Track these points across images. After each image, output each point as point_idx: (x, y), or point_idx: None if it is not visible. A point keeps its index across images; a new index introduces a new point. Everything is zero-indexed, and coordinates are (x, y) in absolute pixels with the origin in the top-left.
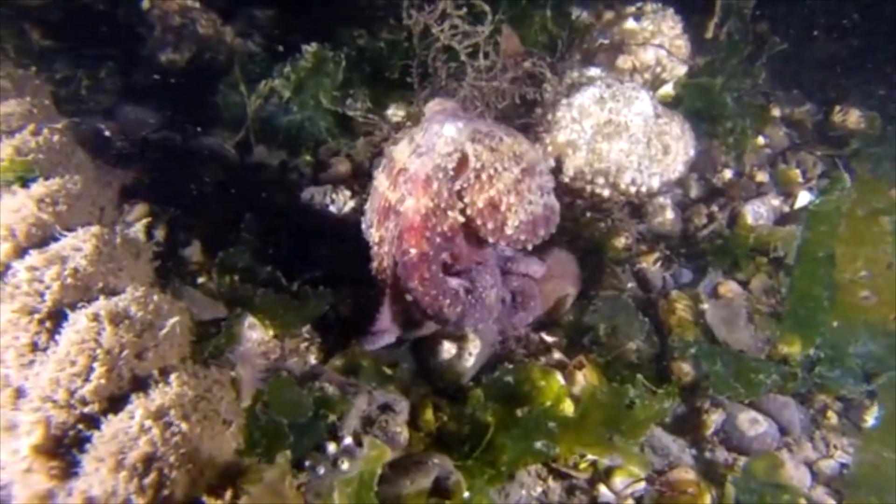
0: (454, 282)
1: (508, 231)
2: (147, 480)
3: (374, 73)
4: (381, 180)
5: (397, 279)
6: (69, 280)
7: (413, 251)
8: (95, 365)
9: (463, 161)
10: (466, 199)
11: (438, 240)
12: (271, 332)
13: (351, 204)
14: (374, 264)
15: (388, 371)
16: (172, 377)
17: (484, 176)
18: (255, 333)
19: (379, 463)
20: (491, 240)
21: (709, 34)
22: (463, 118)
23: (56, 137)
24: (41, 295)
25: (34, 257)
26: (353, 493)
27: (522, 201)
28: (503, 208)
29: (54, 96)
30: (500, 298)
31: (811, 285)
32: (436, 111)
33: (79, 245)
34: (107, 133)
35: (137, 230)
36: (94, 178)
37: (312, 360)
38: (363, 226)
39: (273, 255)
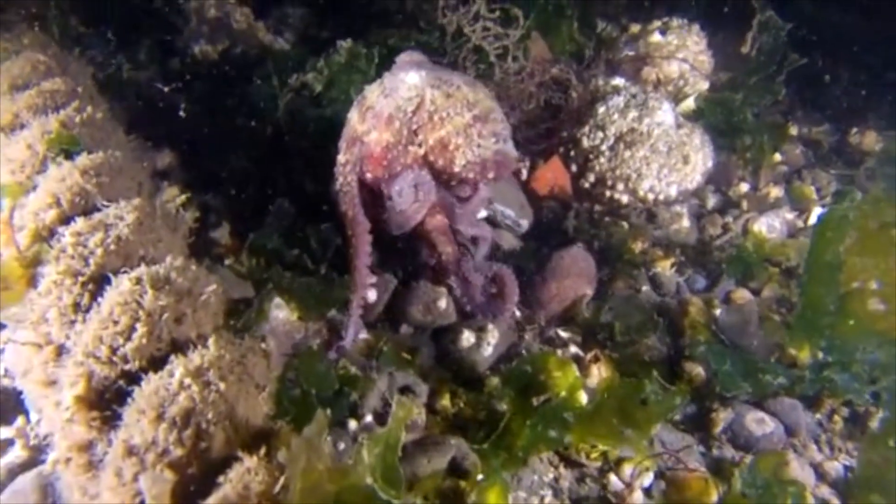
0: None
1: (456, 168)
2: (186, 433)
3: None
4: (352, 114)
5: (356, 195)
6: (112, 247)
7: (369, 175)
8: (137, 325)
9: (421, 104)
10: (420, 138)
11: (399, 168)
12: (296, 314)
13: None
14: (339, 180)
15: (408, 357)
16: (210, 340)
17: (436, 118)
18: (281, 313)
19: (405, 422)
20: (444, 175)
21: (746, 48)
22: (426, 68)
23: (99, 115)
24: (85, 259)
25: (79, 223)
26: (378, 454)
27: (471, 143)
28: (451, 148)
29: (94, 78)
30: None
31: (820, 291)
32: (405, 61)
33: (122, 215)
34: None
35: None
36: (132, 155)
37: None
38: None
39: (301, 239)
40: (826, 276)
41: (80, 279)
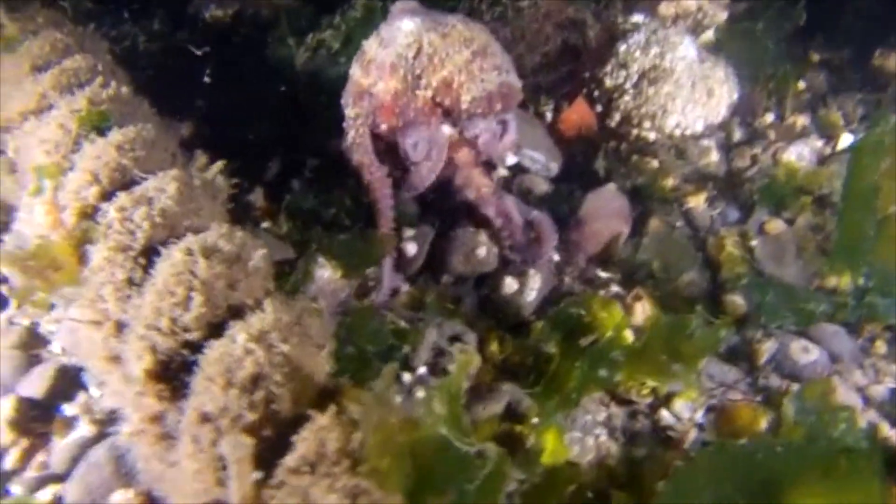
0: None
1: (464, 105)
2: (256, 397)
3: None
4: (354, 69)
5: (370, 145)
6: (158, 219)
7: (384, 126)
8: (194, 294)
9: (420, 48)
10: (424, 81)
11: (412, 114)
12: (339, 272)
13: None
14: (351, 134)
15: (452, 307)
16: (266, 304)
17: (436, 59)
18: (325, 273)
19: (467, 370)
20: (454, 113)
21: None
22: (421, 13)
23: (124, 89)
24: (133, 233)
25: (122, 198)
26: (442, 401)
27: (474, 79)
28: (455, 86)
29: (111, 53)
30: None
31: (858, 218)
32: (400, 9)
33: (162, 187)
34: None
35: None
36: (161, 127)
37: (379, 296)
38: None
39: (336, 197)
40: (863, 202)
41: (131, 254)
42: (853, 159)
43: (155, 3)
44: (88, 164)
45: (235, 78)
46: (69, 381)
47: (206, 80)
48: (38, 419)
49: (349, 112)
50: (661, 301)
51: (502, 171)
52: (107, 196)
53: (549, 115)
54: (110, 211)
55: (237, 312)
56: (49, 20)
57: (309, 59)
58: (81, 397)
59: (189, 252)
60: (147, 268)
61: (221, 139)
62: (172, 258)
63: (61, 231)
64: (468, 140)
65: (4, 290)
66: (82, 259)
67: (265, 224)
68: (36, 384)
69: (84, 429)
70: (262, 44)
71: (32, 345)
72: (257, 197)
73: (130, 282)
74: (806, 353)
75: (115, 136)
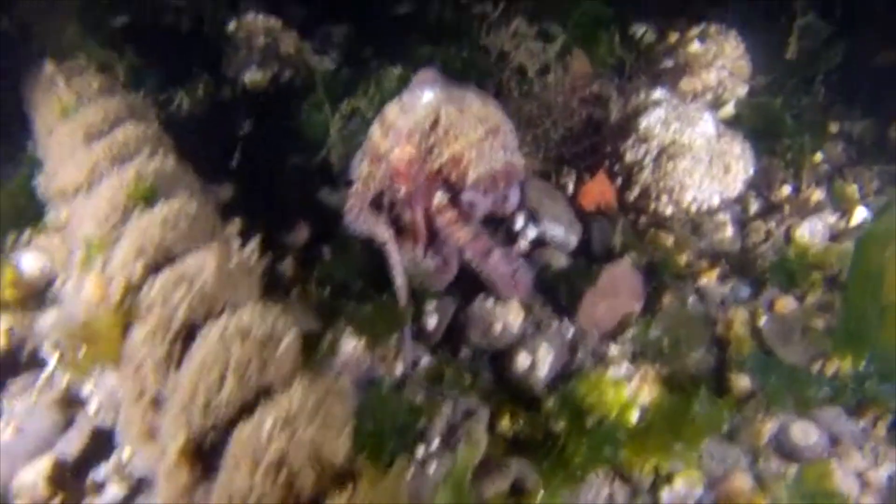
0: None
1: (469, 181)
2: (280, 478)
3: None
4: (374, 130)
5: (371, 199)
6: (197, 299)
7: (403, 189)
8: (227, 376)
9: (437, 120)
10: (436, 152)
11: (423, 181)
12: (363, 342)
13: None
14: (358, 185)
15: (469, 380)
16: (295, 387)
17: (451, 133)
18: (350, 343)
19: (472, 461)
20: (458, 187)
21: (790, 54)
22: (440, 85)
23: (170, 160)
24: (173, 312)
25: (164, 276)
26: (448, 491)
27: (483, 157)
28: (464, 162)
29: (158, 117)
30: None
31: (862, 304)
32: (421, 79)
33: (202, 265)
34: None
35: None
36: (202, 196)
37: (399, 367)
38: (355, 159)
39: (365, 268)
40: (867, 289)
41: (171, 332)
42: (859, 246)
43: (198, 63)
44: (135, 240)
45: (272, 142)
46: (103, 443)
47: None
48: (72, 478)
49: (362, 168)
50: (668, 378)
51: (523, 245)
52: (151, 271)
53: (570, 186)
54: (153, 289)
55: (267, 392)
56: (103, 86)
57: (343, 125)
58: (114, 459)
59: (224, 334)
60: (186, 345)
61: (256, 201)
62: (209, 339)
63: (107, 305)
64: (458, 205)
65: (46, 347)
66: (125, 332)
67: (295, 290)
68: (73, 443)
69: (114, 491)
70: (298, 109)
71: (70, 404)
72: (287, 266)
73: (169, 359)
74: (806, 435)
75: (161, 211)
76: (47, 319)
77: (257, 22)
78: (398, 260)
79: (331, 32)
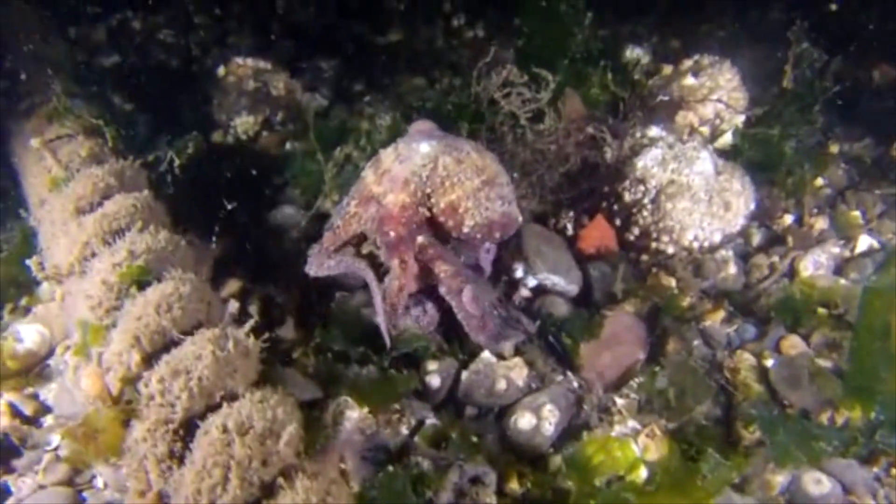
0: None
1: (465, 230)
2: None
3: None
4: (368, 174)
5: (348, 240)
6: (195, 390)
7: (392, 234)
8: (231, 476)
9: (434, 169)
10: (433, 200)
11: (414, 226)
12: (366, 409)
13: None
14: (339, 222)
15: (475, 441)
16: (298, 483)
17: (447, 183)
18: (353, 413)
19: None
20: (453, 234)
21: (787, 83)
22: (437, 137)
23: (161, 234)
24: (172, 406)
25: (162, 368)
26: None
27: (479, 206)
28: (461, 210)
29: (150, 181)
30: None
31: (870, 355)
32: (417, 130)
33: (198, 352)
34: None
35: (234, 307)
36: (194, 263)
37: (403, 430)
38: (342, 203)
39: (365, 334)
40: (875, 340)
41: (171, 426)
42: (865, 300)
43: (188, 106)
44: (130, 328)
45: (264, 193)
46: None
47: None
48: None
49: (350, 207)
50: (675, 432)
51: (524, 293)
52: (148, 361)
53: (569, 228)
54: (151, 382)
55: (270, 490)
56: (91, 153)
57: (336, 174)
58: None
59: (225, 429)
60: (187, 439)
61: (251, 256)
62: (210, 435)
63: (107, 399)
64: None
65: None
66: (126, 426)
67: (296, 354)
68: None
69: None
70: (289, 159)
71: (77, 481)
72: (288, 329)
73: (171, 454)
74: (818, 485)
75: (154, 294)
76: (49, 393)
77: (247, 65)
78: (379, 296)
79: (321, 67)
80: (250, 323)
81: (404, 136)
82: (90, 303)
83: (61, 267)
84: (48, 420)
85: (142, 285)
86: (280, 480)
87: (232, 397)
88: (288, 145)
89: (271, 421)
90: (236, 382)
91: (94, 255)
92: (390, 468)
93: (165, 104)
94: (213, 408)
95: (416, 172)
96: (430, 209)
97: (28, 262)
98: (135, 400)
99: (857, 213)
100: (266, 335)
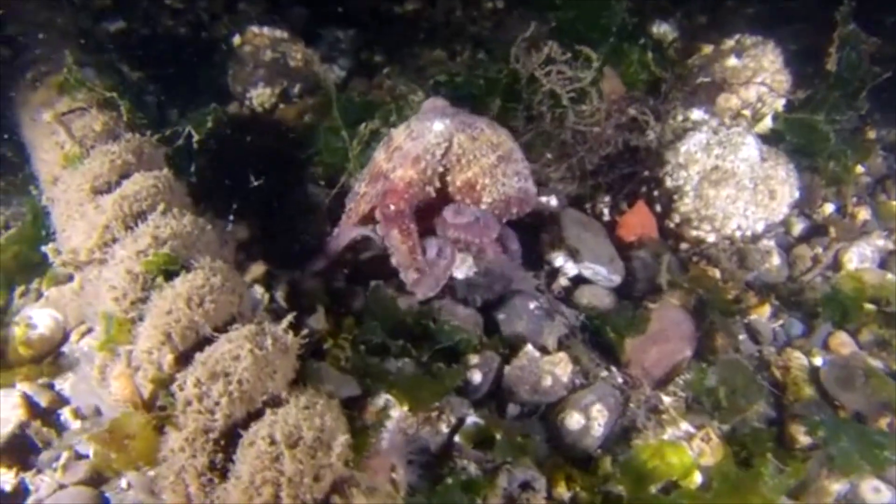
0: (431, 249)
1: (483, 206)
2: None
3: (473, 111)
4: (379, 152)
5: (360, 221)
6: (236, 394)
7: (392, 207)
8: (282, 495)
9: (449, 148)
10: (448, 178)
11: (415, 202)
12: (406, 407)
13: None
14: (352, 205)
15: (521, 442)
16: (353, 500)
17: (463, 160)
18: (395, 412)
19: None
20: None
21: (831, 66)
22: (450, 114)
23: (187, 218)
24: (212, 412)
25: (198, 370)
26: None
27: (496, 183)
28: (478, 188)
29: (167, 158)
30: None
31: None
32: (430, 108)
33: (236, 353)
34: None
35: (260, 294)
36: (218, 246)
37: (444, 428)
38: (355, 187)
39: (402, 323)
40: None
41: (211, 436)
42: None
43: (200, 79)
44: (159, 321)
45: (288, 170)
46: None
47: (255, 183)
48: None
49: (360, 187)
50: (728, 434)
51: (563, 282)
52: (181, 358)
53: (606, 213)
54: (187, 385)
55: None
56: (106, 128)
57: (362, 151)
58: None
59: (272, 441)
60: (227, 450)
61: (275, 238)
62: (256, 447)
63: (138, 403)
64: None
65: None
66: (160, 431)
67: (327, 345)
68: None
69: None
70: (312, 134)
71: (100, 480)
72: (318, 318)
73: (212, 466)
74: (877, 494)
75: (184, 286)
76: (66, 382)
77: (263, 34)
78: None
79: (339, 37)
80: (289, 318)
81: (417, 114)
82: (113, 294)
83: (79, 252)
84: (66, 412)
85: (169, 275)
86: (335, 499)
87: (275, 402)
88: (307, 118)
89: (320, 430)
90: (277, 384)
91: (114, 240)
92: (447, 480)
93: (177, 74)
94: (256, 414)
95: (428, 150)
96: (444, 187)
97: (44, 248)
98: (169, 405)
99: None
100: (303, 331)
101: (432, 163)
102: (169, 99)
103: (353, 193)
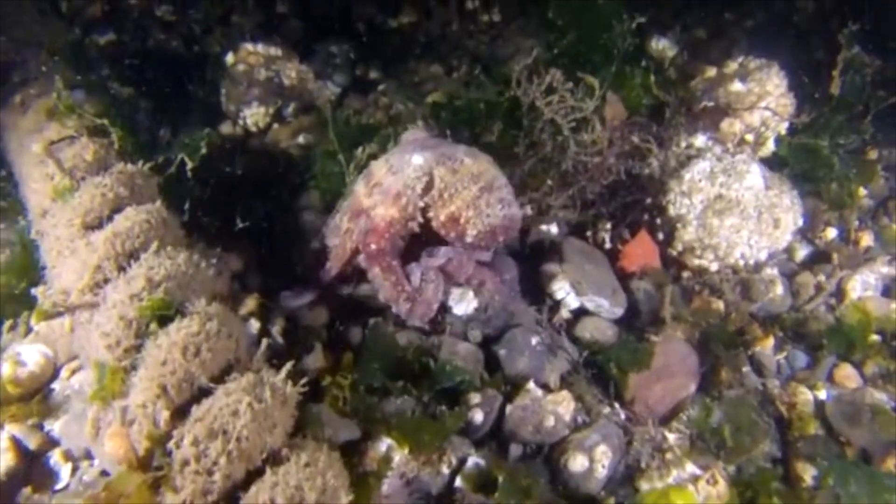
0: (415, 275)
1: (469, 239)
2: None
3: (474, 135)
4: (359, 186)
5: (349, 259)
6: (235, 453)
7: (373, 246)
8: None
9: (430, 182)
10: (431, 214)
11: (398, 240)
12: (406, 450)
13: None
14: (337, 242)
15: (525, 485)
16: None
17: (445, 195)
18: (395, 456)
19: None
20: (457, 245)
21: (835, 89)
22: (430, 147)
23: (181, 257)
24: (210, 473)
25: (195, 427)
26: None
27: (480, 214)
28: (462, 221)
29: (160, 187)
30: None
31: None
32: (409, 140)
33: (234, 407)
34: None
35: (256, 329)
36: (213, 283)
37: (445, 469)
38: (334, 216)
39: (402, 365)
40: None
41: (210, 498)
42: None
43: (192, 98)
44: (154, 373)
45: (282, 196)
46: None
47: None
48: None
49: (343, 223)
50: (734, 475)
51: (564, 314)
52: (177, 413)
53: (607, 240)
54: (184, 444)
55: None
56: (97, 157)
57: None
58: None
59: None
60: None
61: (270, 267)
62: None
63: (133, 462)
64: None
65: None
66: (156, 491)
67: (325, 383)
68: None
69: None
70: (308, 159)
71: None
72: (316, 358)
73: None
74: None
75: (179, 334)
76: (56, 422)
77: (257, 52)
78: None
79: (333, 52)
80: (287, 366)
81: (397, 147)
82: (106, 341)
83: (70, 293)
84: (56, 455)
85: (163, 320)
86: None
87: (274, 459)
88: (301, 138)
89: (322, 490)
90: (276, 438)
91: (106, 280)
92: None
93: (169, 91)
94: (255, 473)
95: (408, 185)
96: (428, 222)
97: (34, 291)
98: (165, 465)
99: None
100: (302, 380)
101: (413, 198)
102: (161, 117)
103: (334, 226)
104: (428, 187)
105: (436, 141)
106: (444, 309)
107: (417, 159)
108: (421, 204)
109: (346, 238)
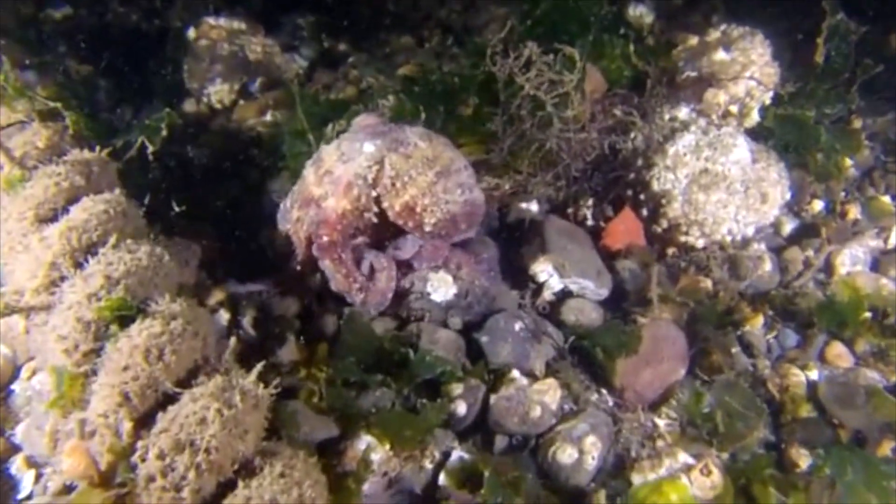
0: (365, 265)
1: (428, 228)
2: None
3: (448, 109)
4: (309, 173)
5: (306, 249)
6: (204, 466)
7: (325, 238)
8: None
9: (381, 171)
10: (385, 204)
11: (351, 231)
12: (388, 447)
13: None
14: (291, 231)
15: (511, 479)
16: None
17: (398, 183)
18: (376, 456)
19: None
20: (417, 236)
21: (819, 58)
22: (381, 133)
23: (142, 250)
24: (178, 489)
25: (160, 439)
26: None
27: (438, 202)
28: (419, 210)
29: (120, 172)
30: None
31: None
32: (362, 125)
33: (202, 415)
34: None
35: (225, 321)
36: (178, 275)
37: (428, 464)
38: (286, 201)
39: (381, 357)
40: None
41: None
42: None
43: (153, 75)
44: (115, 380)
45: (246, 178)
46: None
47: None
48: None
49: (292, 213)
50: (728, 463)
51: (548, 297)
52: (141, 421)
53: (589, 217)
54: (149, 458)
55: None
56: (50, 144)
57: None
58: None
59: None
60: None
61: (237, 254)
62: None
63: (95, 478)
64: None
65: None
66: None
67: (300, 376)
68: None
69: None
70: (276, 139)
71: None
72: (289, 350)
73: None
74: None
75: (141, 337)
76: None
77: (220, 26)
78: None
79: (300, 24)
80: (259, 367)
81: (348, 132)
82: (63, 345)
83: (23, 291)
84: (18, 461)
85: (124, 321)
86: None
87: (247, 469)
88: (269, 116)
89: (298, 502)
90: (248, 445)
91: (62, 278)
92: None
93: (129, 68)
94: (227, 485)
95: (360, 175)
96: (383, 212)
97: None
98: (129, 480)
99: (887, 199)
100: (274, 381)
101: (365, 189)
102: (122, 97)
103: (285, 210)
104: (378, 176)
105: (389, 126)
106: (421, 295)
107: (369, 147)
108: (374, 194)
109: (298, 227)
